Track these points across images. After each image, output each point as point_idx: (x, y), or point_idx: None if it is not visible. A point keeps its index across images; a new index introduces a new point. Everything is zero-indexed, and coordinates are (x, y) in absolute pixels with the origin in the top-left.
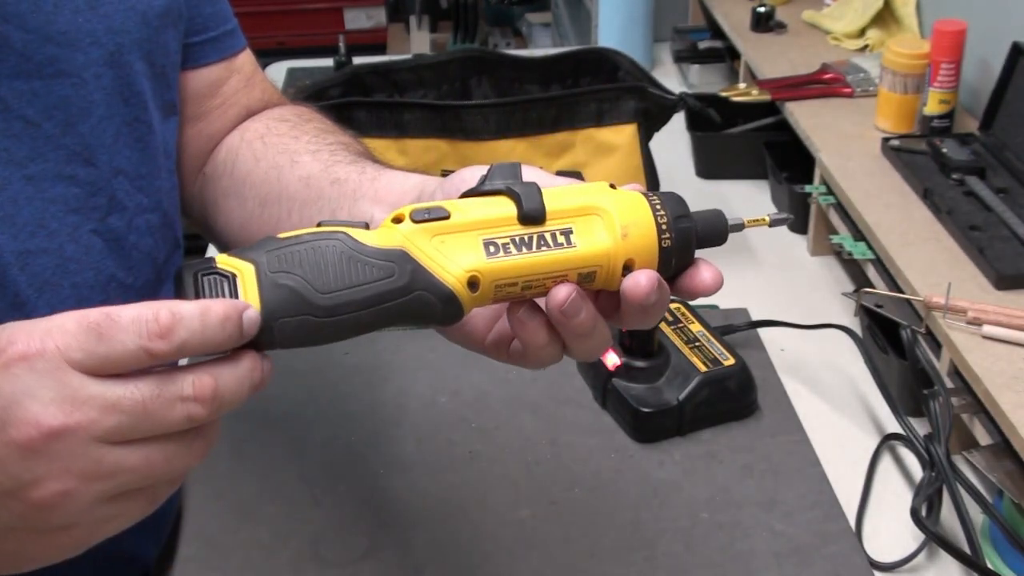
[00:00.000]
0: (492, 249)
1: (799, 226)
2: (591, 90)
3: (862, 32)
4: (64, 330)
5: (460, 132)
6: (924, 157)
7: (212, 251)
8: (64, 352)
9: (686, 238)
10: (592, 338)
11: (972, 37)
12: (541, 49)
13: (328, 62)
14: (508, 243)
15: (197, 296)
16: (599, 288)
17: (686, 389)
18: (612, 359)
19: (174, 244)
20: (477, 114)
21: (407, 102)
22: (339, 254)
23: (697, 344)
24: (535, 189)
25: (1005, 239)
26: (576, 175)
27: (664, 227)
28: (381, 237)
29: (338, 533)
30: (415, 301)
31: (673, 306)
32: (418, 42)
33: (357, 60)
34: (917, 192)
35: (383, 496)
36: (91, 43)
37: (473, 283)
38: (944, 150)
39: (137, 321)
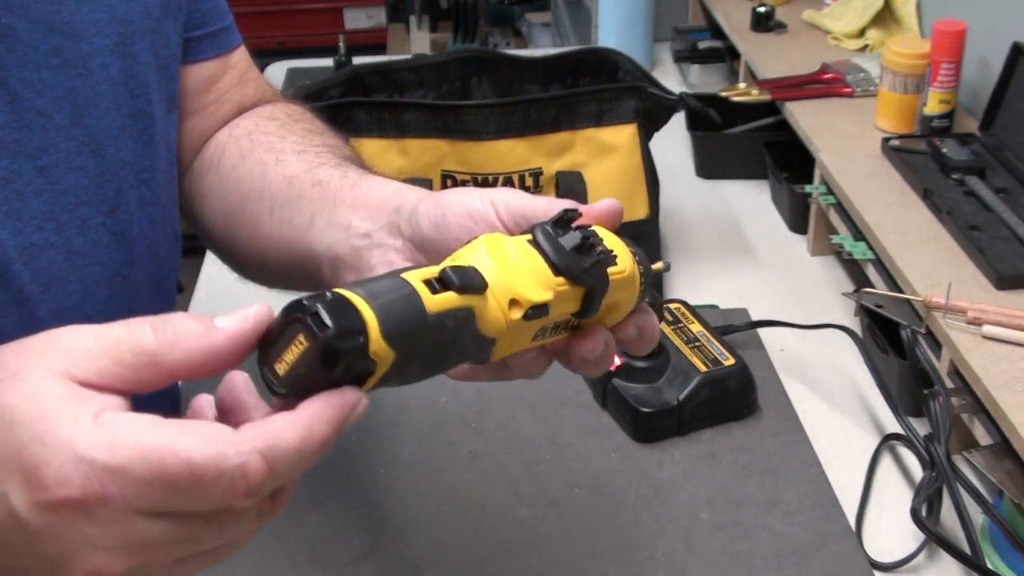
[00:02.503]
0: (537, 334)
1: (799, 226)
2: (591, 90)
3: (862, 32)
4: (133, 478)
5: (460, 132)
6: (924, 157)
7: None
8: (131, 502)
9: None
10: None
11: (972, 37)
12: (541, 49)
13: (328, 62)
14: (549, 328)
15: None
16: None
17: (686, 389)
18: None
19: (173, 238)
20: (477, 114)
21: (407, 102)
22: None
23: (697, 344)
24: (605, 287)
25: (1005, 239)
26: (576, 175)
27: (643, 291)
28: (493, 317)
29: (338, 533)
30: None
31: (673, 306)
32: (418, 42)
33: (357, 60)
34: (917, 192)
35: (383, 496)
36: (96, 33)
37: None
38: (944, 150)
39: (222, 476)
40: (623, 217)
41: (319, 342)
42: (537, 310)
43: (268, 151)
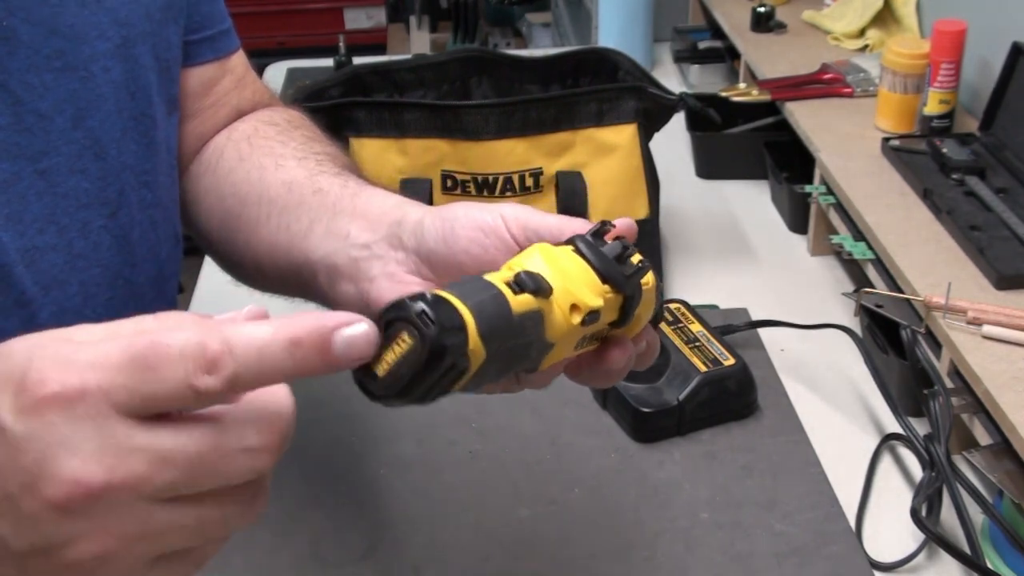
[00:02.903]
0: (580, 343)
1: (799, 226)
2: (591, 90)
3: (862, 32)
4: (108, 364)
5: (460, 132)
6: (924, 157)
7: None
8: (108, 393)
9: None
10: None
11: (972, 37)
12: (541, 49)
13: (328, 62)
14: (588, 337)
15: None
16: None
17: (686, 389)
18: None
19: (174, 240)
20: (477, 114)
21: (407, 102)
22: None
23: (697, 344)
24: (639, 297)
25: (1005, 239)
26: (576, 175)
27: (659, 304)
28: (557, 322)
29: (338, 533)
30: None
31: (673, 306)
32: (418, 42)
33: (357, 60)
34: (917, 192)
35: (383, 496)
36: (97, 36)
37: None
38: (944, 150)
39: (183, 353)
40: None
41: (427, 339)
42: (592, 316)
43: (268, 155)
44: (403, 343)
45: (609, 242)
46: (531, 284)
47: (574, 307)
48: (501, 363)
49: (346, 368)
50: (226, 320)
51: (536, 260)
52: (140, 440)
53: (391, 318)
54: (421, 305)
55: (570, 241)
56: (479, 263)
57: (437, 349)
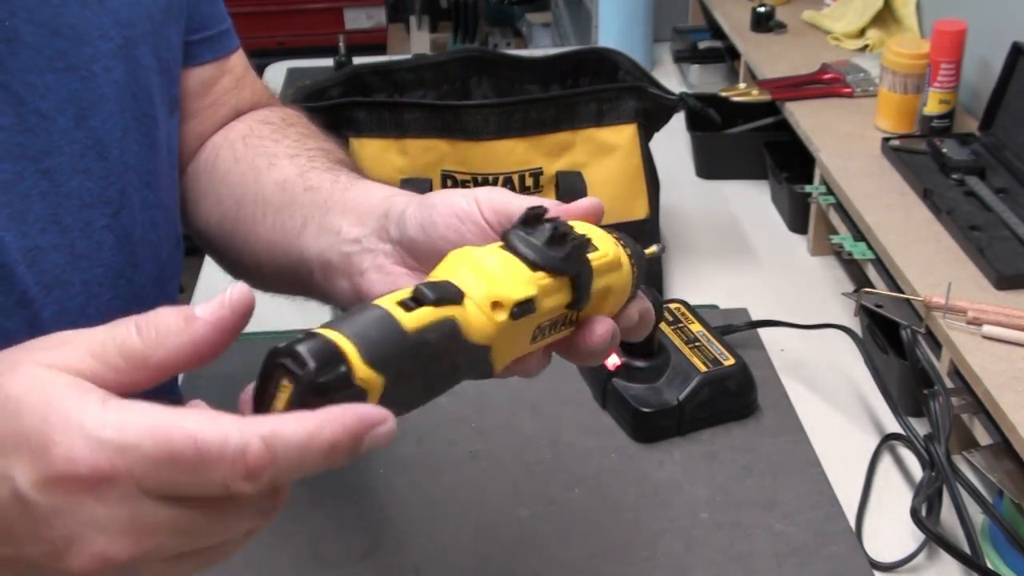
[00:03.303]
0: (536, 334)
1: (799, 226)
2: (591, 90)
3: (862, 32)
4: (141, 455)
5: (460, 132)
6: (924, 157)
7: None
8: (139, 480)
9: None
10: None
11: (972, 37)
12: (541, 49)
13: (328, 62)
14: (547, 326)
15: (317, 369)
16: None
17: (686, 389)
18: (612, 359)
19: (176, 240)
20: (477, 114)
21: (407, 102)
22: (439, 340)
23: (697, 344)
24: (589, 272)
25: (1005, 239)
26: (576, 175)
27: (637, 275)
28: (479, 324)
29: (338, 533)
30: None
31: (673, 306)
32: (418, 42)
33: (357, 60)
34: (917, 192)
35: (383, 496)
36: (99, 36)
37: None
38: (944, 150)
39: (223, 456)
40: (624, 217)
41: (303, 381)
42: (523, 307)
43: (262, 155)
44: (285, 388)
45: (542, 225)
46: (432, 295)
47: (496, 304)
48: (419, 381)
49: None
50: (252, 416)
51: (453, 266)
52: (164, 515)
53: (266, 368)
54: (293, 347)
55: (502, 235)
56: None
57: (317, 388)
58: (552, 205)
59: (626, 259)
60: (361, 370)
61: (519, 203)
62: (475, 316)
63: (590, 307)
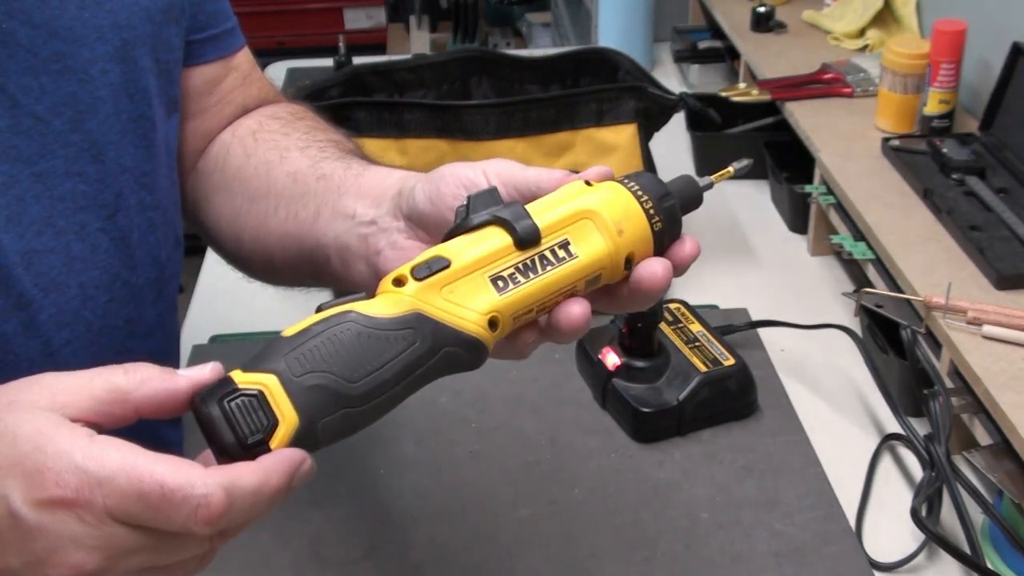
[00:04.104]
0: (501, 284)
1: (799, 226)
2: (591, 90)
3: (862, 32)
4: (115, 489)
5: (460, 132)
6: (924, 157)
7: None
8: (112, 511)
9: (673, 216)
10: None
11: (972, 37)
12: (541, 49)
13: (328, 62)
14: (514, 273)
15: (232, 428)
16: (604, 285)
17: (686, 389)
18: (612, 359)
19: (175, 242)
20: (477, 114)
21: (407, 102)
22: (356, 336)
23: (697, 344)
24: (522, 211)
25: (1005, 239)
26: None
27: (652, 212)
28: (390, 304)
29: (338, 533)
30: (443, 359)
31: (673, 306)
32: (418, 42)
33: (357, 60)
34: (917, 192)
35: (383, 496)
36: (97, 39)
37: (493, 323)
38: (944, 150)
39: (187, 501)
40: None
41: (230, 452)
42: (426, 266)
43: (273, 149)
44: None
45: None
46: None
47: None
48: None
49: None
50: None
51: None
52: (132, 541)
53: (199, 421)
54: (213, 419)
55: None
56: None
57: (245, 450)
58: (563, 175)
59: (627, 196)
60: (278, 399)
61: (528, 175)
62: (382, 296)
63: (591, 249)
